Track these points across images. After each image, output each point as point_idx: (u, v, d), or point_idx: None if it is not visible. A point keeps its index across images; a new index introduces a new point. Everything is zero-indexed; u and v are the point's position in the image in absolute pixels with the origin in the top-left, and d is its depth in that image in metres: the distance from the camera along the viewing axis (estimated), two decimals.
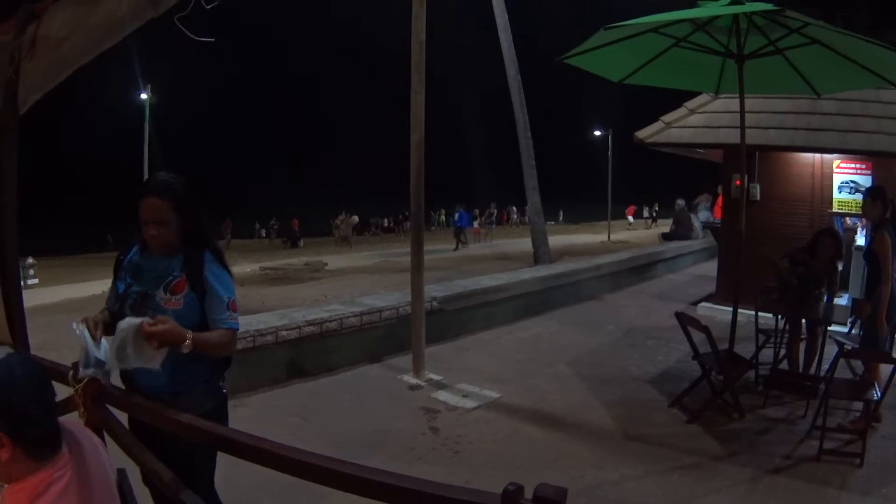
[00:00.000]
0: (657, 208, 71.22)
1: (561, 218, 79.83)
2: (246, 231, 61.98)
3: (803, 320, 9.17)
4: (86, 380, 3.73)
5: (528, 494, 2.31)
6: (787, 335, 9.44)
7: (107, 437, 3.89)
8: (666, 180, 60.61)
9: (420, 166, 9.46)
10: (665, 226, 39.94)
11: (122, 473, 4.04)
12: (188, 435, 3.50)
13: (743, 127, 8.84)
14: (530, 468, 6.70)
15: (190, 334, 3.76)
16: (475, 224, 55.62)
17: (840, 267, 9.69)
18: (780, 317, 9.42)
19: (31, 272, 30.27)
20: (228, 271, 4.12)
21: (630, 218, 66.68)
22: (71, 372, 3.77)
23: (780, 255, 9.73)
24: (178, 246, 4.03)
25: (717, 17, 7.93)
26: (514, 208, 77.55)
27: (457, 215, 46.24)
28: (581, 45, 8.12)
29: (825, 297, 9.58)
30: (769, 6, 7.16)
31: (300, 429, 7.49)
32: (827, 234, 9.41)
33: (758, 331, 9.49)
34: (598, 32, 7.53)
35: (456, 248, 41.36)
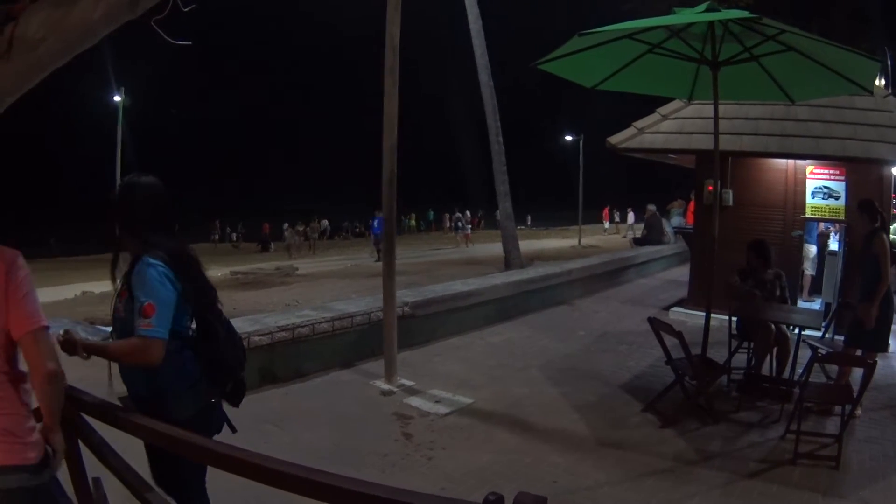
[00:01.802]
0: (621, 217, 70.37)
1: (529, 222, 79.82)
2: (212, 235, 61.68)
3: (772, 325, 9.20)
4: None
5: (508, 503, 2.25)
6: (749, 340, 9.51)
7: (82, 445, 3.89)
8: (638, 186, 60.67)
9: (392, 171, 9.44)
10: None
11: (96, 481, 4.02)
12: (158, 442, 3.52)
13: (717, 133, 8.86)
14: (504, 474, 6.68)
15: (82, 343, 3.90)
16: (468, 230, 55.01)
17: (779, 273, 9.83)
18: (736, 320, 9.53)
19: None
20: (164, 272, 3.94)
21: (606, 223, 66.35)
22: None
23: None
24: (136, 252, 4.03)
25: (692, 23, 7.96)
26: (472, 212, 77.46)
27: (375, 222, 41.68)
28: (556, 50, 8.12)
29: (786, 300, 9.79)
30: (745, 14, 7.19)
31: (274, 436, 7.44)
32: (749, 249, 9.71)
33: (731, 335, 9.47)
34: (573, 38, 7.52)
35: (378, 260, 36.23)
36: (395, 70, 9.40)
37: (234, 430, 4.45)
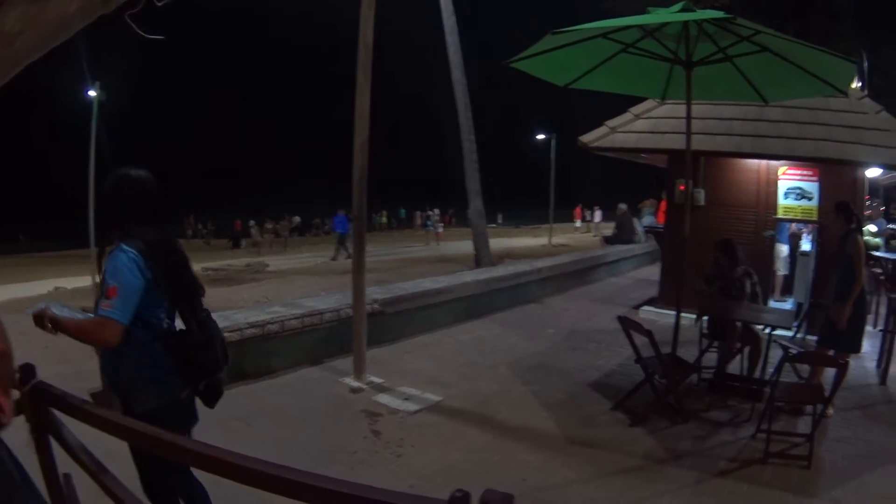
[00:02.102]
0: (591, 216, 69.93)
1: (500, 220, 79.78)
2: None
3: (738, 323, 9.22)
4: (32, 383, 3.74)
5: (476, 501, 2.23)
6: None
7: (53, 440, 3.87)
8: (610, 185, 60.68)
9: (363, 169, 9.40)
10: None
11: (67, 478, 3.99)
12: (124, 438, 3.47)
13: (689, 132, 8.85)
14: (473, 472, 6.67)
15: (49, 316, 4.01)
16: (440, 228, 54.86)
17: (747, 271, 9.83)
18: (706, 319, 9.56)
19: None
20: (134, 258, 4.02)
21: (578, 222, 66.15)
22: (17, 375, 3.72)
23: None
24: (119, 242, 4.08)
25: (666, 23, 7.95)
26: (443, 210, 77.23)
27: (334, 220, 42.54)
28: (529, 49, 8.08)
29: (756, 298, 9.81)
30: (720, 14, 7.17)
31: (242, 432, 7.41)
32: (716, 248, 9.76)
33: (701, 335, 9.51)
34: (546, 37, 7.48)
35: (334, 258, 37.64)
36: (368, 67, 9.37)
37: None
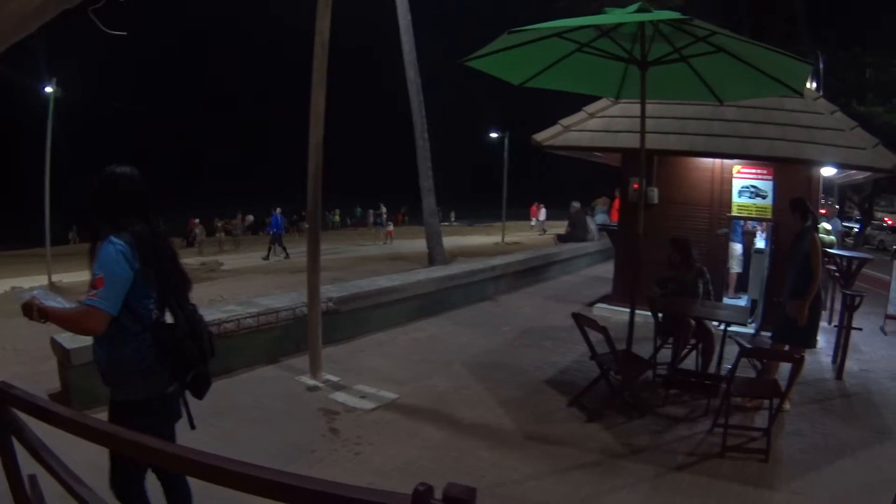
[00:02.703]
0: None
1: (453, 219, 79.58)
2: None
3: (692, 321, 9.29)
4: None
5: (438, 495, 2.26)
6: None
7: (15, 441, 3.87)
8: (562, 183, 60.68)
9: (318, 168, 9.39)
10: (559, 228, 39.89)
11: (32, 479, 3.99)
12: (86, 438, 3.36)
13: (643, 131, 8.93)
14: (431, 469, 6.73)
15: (37, 305, 4.04)
16: (390, 226, 54.58)
17: (700, 270, 9.97)
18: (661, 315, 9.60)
19: None
20: (122, 249, 4.07)
21: (534, 219, 65.40)
22: None
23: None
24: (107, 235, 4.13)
25: (622, 23, 8.00)
26: (396, 208, 76.96)
27: (271, 220, 42.11)
28: (484, 47, 8.09)
29: (709, 296, 9.96)
30: (676, 15, 7.22)
31: (201, 432, 7.26)
32: (670, 244, 9.84)
33: (657, 331, 9.56)
34: (502, 36, 7.50)
35: (266, 258, 37.79)
36: (324, 65, 9.36)
37: (192, 425, 4.58)
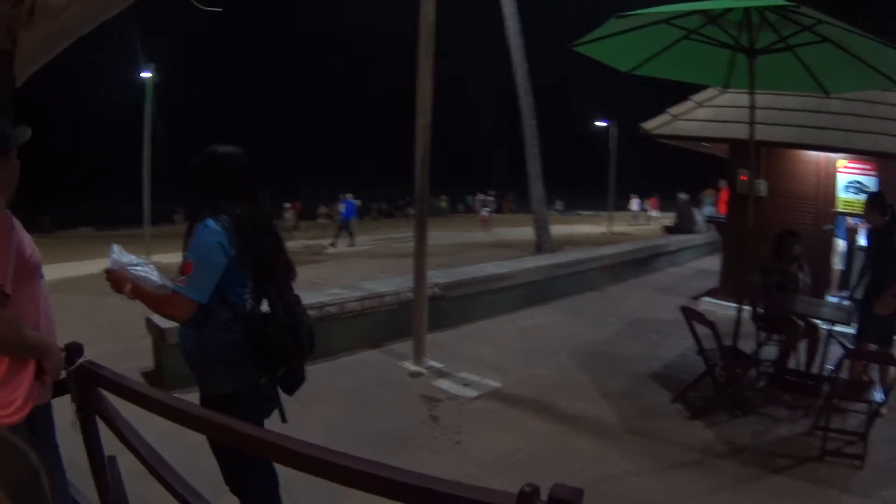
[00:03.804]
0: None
1: (560, 207, 79.08)
2: None
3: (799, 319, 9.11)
4: (78, 363, 3.75)
5: (544, 495, 2.20)
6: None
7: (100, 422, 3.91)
8: (670, 173, 59.77)
9: (425, 151, 9.41)
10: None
11: (111, 460, 4.00)
12: (172, 419, 3.33)
13: (752, 122, 8.75)
14: (530, 461, 6.62)
15: (131, 281, 4.04)
16: (485, 212, 54.28)
17: (801, 264, 9.73)
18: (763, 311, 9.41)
19: None
20: (217, 234, 3.96)
21: (653, 211, 63.74)
22: (63, 354, 3.74)
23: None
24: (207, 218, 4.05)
25: (729, 10, 7.86)
26: (502, 195, 76.67)
27: (343, 206, 39.85)
28: (592, 32, 8.02)
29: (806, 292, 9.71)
30: (781, 1, 7.08)
31: (298, 415, 7.32)
32: (792, 234, 9.59)
33: (758, 328, 9.39)
34: (610, 21, 7.44)
35: (333, 245, 35.37)
36: (430, 49, 9.38)
37: (283, 419, 4.42)
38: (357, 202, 40.95)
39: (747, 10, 7.82)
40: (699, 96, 14.17)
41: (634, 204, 61.56)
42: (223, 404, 3.82)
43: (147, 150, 26.52)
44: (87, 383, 3.78)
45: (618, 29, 7.86)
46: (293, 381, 4.43)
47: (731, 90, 11.36)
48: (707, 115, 13.85)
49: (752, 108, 8.67)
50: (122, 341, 9.52)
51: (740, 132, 11.70)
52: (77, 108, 77.43)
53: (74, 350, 3.78)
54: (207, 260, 3.91)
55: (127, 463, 4.05)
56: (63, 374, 3.76)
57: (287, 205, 51.53)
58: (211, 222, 3.95)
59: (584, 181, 75.96)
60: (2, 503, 3.34)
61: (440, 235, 36.22)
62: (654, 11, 7.44)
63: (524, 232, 30.30)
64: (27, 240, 3.55)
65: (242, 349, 4.03)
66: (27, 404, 3.47)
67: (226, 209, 4.03)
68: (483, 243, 32.98)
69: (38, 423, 3.55)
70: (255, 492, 4.29)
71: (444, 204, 77.85)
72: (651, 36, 8.38)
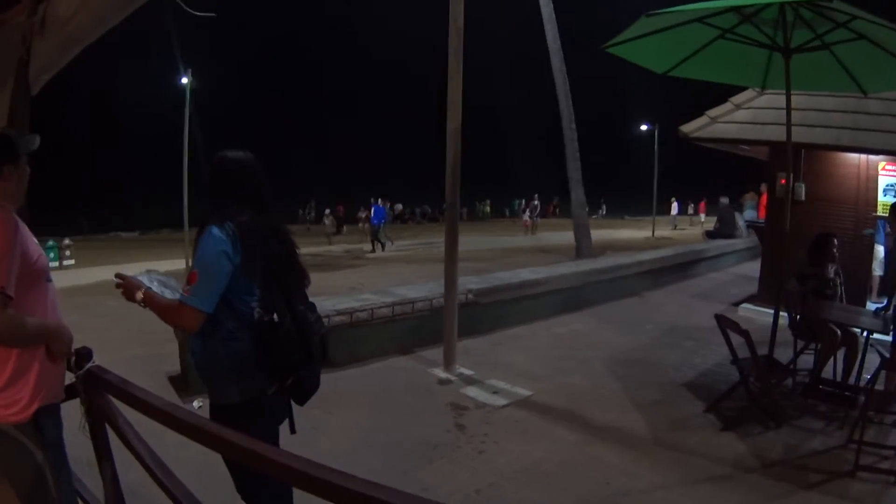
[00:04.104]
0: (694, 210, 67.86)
1: (604, 212, 79.29)
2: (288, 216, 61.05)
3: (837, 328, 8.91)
4: (86, 367, 3.89)
5: None
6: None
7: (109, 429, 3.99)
8: (711, 177, 59.59)
9: (456, 156, 9.34)
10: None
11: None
12: (175, 429, 3.38)
13: (789, 124, 8.60)
14: (555, 473, 6.46)
15: (143, 290, 4.06)
16: (525, 216, 54.43)
17: (837, 270, 9.62)
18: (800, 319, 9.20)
19: (68, 253, 31.05)
20: (222, 242, 3.87)
21: (702, 215, 63.46)
22: (73, 359, 3.87)
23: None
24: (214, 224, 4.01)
25: (763, 8, 7.72)
26: (547, 200, 76.97)
27: (372, 211, 40.05)
28: (623, 33, 7.91)
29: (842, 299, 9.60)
30: None
31: (320, 421, 7.37)
32: (829, 237, 9.43)
33: (795, 336, 9.14)
34: (640, 20, 7.33)
35: (372, 251, 36.02)
36: (460, 52, 9.32)
37: (293, 429, 4.34)
38: (387, 206, 40.98)
39: (781, 7, 7.71)
40: (738, 98, 14.05)
41: (674, 208, 61.36)
42: (233, 414, 3.84)
43: (186, 155, 26.79)
44: (95, 388, 3.91)
45: (649, 29, 7.78)
46: (303, 391, 4.29)
47: (769, 91, 11.23)
48: (745, 117, 13.67)
49: (789, 109, 8.52)
50: (152, 345, 9.56)
51: (779, 134, 11.49)
52: (116, 112, 78.62)
53: (83, 355, 3.90)
54: (211, 269, 3.84)
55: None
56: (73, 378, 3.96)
57: (327, 210, 51.67)
58: (215, 230, 3.88)
59: (628, 185, 76.16)
60: (8, 499, 3.53)
61: (482, 240, 36.42)
62: (686, 9, 7.30)
63: (567, 237, 30.23)
64: (33, 244, 3.66)
65: (250, 358, 3.94)
66: (32, 404, 3.62)
67: (232, 216, 3.95)
68: (524, 248, 33.14)
69: (44, 424, 3.68)
70: (267, 501, 4.18)
71: (487, 208, 78.24)
72: (685, 36, 8.28)
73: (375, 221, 38.32)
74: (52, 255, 29.44)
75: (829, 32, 7.85)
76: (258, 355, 3.95)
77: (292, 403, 4.33)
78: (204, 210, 4.15)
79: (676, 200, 62.25)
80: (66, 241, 30.93)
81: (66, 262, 30.10)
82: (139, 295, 4.00)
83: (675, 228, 55.52)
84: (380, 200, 39.93)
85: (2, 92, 5.09)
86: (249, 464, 3.04)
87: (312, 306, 4.32)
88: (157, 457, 3.87)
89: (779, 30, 8.09)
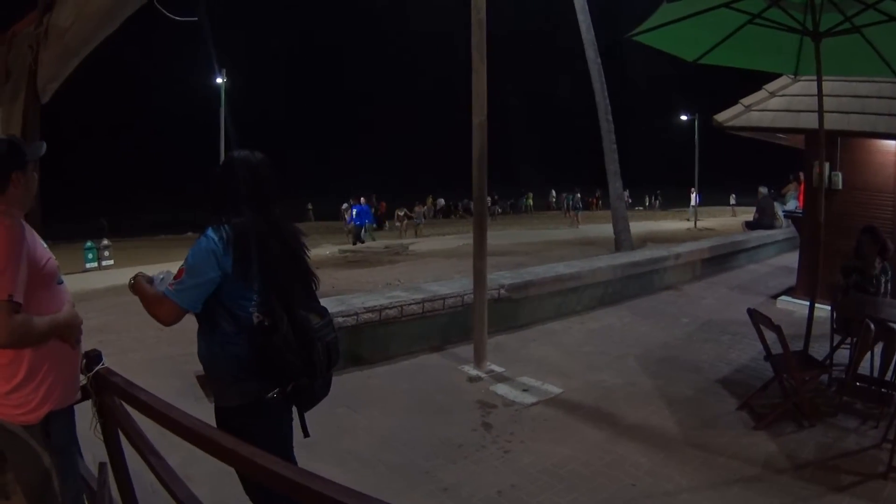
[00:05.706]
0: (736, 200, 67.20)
1: (648, 204, 79.22)
2: (330, 213, 61.18)
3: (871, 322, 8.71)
4: (95, 370, 4.09)
5: None
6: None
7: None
8: (751, 166, 59.16)
9: (483, 149, 9.26)
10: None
11: (102, 467, 4.18)
12: (180, 436, 3.35)
13: (821, 111, 8.46)
14: (580, 473, 6.33)
15: (135, 276, 4.14)
16: (570, 209, 54.48)
17: (884, 266, 9.30)
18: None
19: (107, 253, 31.54)
20: (213, 243, 3.86)
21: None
22: (84, 361, 4.04)
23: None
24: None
25: None
26: (591, 193, 76.90)
27: (354, 211, 40.13)
28: (648, 20, 7.79)
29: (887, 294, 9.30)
30: None
31: (345, 419, 7.33)
32: (867, 233, 9.17)
33: (832, 330, 8.95)
34: (661, 7, 7.20)
35: (353, 247, 34.67)
36: (482, 44, 9.23)
37: (306, 433, 4.27)
38: (373, 205, 41.15)
39: None
40: (772, 85, 13.85)
41: (693, 199, 60.94)
42: (233, 417, 3.91)
43: (222, 153, 27.04)
44: (104, 391, 4.06)
45: (675, 16, 7.65)
46: (303, 400, 4.20)
47: (803, 78, 11.06)
48: (780, 104, 13.46)
49: (820, 95, 8.38)
50: (183, 344, 9.41)
51: (814, 122, 11.25)
52: (150, 115, 79.49)
53: (93, 357, 4.08)
54: (196, 267, 3.85)
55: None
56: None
57: (345, 205, 51.67)
58: (210, 231, 3.89)
59: (672, 176, 76.05)
60: (15, 495, 3.79)
61: (523, 233, 36.47)
62: None
63: (609, 229, 30.04)
64: (41, 249, 3.80)
65: (245, 363, 3.89)
66: (42, 407, 3.79)
67: (229, 217, 3.92)
68: (565, 241, 33.01)
69: (53, 428, 3.85)
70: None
71: (530, 201, 78.52)
72: (714, 22, 8.15)
73: (359, 222, 38.59)
74: (90, 255, 30.23)
75: (858, 14, 7.66)
76: (256, 360, 3.90)
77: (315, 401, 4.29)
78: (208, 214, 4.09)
79: (697, 193, 61.82)
80: (105, 242, 31.39)
81: (104, 263, 30.60)
82: (130, 280, 4.08)
83: (690, 220, 54.96)
84: (362, 199, 40.22)
85: (17, 100, 5.30)
86: (242, 470, 3.18)
87: (322, 310, 4.23)
88: (162, 458, 3.93)
89: (807, 13, 7.93)
